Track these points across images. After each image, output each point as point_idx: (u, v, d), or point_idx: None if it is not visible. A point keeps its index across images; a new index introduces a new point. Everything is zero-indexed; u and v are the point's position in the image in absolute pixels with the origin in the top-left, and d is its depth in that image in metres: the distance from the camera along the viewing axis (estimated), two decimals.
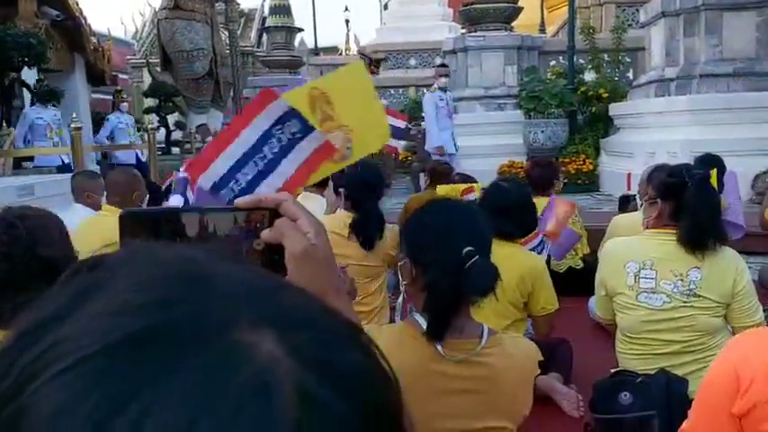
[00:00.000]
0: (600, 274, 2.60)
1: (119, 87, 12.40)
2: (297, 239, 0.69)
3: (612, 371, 2.57)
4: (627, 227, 3.42)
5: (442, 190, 3.70)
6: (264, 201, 0.72)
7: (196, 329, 0.31)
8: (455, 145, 9.06)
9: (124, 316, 0.31)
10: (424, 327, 1.46)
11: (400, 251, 1.60)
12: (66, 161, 9.15)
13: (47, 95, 8.93)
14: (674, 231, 2.38)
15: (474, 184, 3.67)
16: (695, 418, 1.38)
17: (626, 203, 4.76)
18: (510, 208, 2.75)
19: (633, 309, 2.44)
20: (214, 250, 0.41)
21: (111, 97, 13.90)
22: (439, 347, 1.45)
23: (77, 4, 11.07)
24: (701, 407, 1.37)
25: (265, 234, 0.70)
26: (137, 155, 10.22)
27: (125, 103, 11.19)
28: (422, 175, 10.52)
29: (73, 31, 10.86)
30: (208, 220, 0.70)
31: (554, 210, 3.60)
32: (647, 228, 2.52)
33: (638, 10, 13.51)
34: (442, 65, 10.21)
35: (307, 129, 1.96)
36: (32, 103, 9.68)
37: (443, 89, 8.99)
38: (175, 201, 4.53)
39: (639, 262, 2.43)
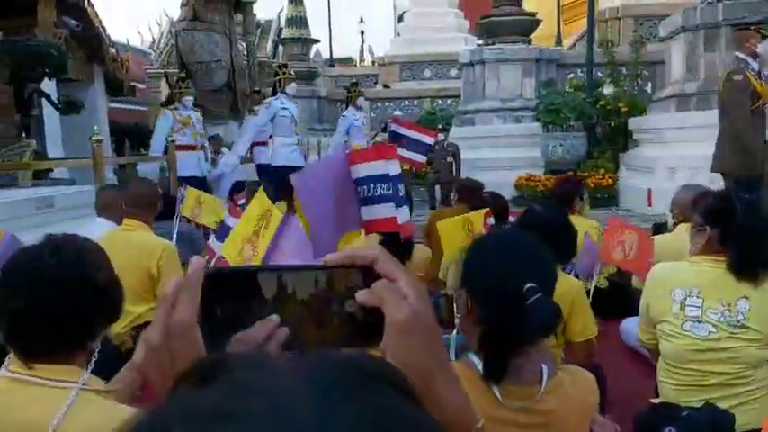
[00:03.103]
0: (645, 299, 2.53)
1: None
2: (399, 306, 0.61)
3: (653, 401, 2.49)
4: (663, 249, 3.35)
5: (446, 226, 3.63)
6: (357, 257, 0.64)
7: None
8: None
9: None
10: (481, 368, 1.38)
11: (457, 280, 1.51)
12: (201, 174, 8.20)
13: (67, 107, 8.89)
14: (723, 259, 2.31)
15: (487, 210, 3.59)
16: None
17: (660, 232, 4.63)
18: (548, 232, 2.65)
19: (677, 337, 2.36)
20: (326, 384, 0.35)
21: (134, 108, 13.82)
22: (497, 392, 1.38)
23: (97, 15, 11.12)
24: None
25: (361, 296, 0.63)
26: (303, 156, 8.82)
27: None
28: (437, 186, 10.55)
29: (92, 41, 10.89)
30: (287, 280, 0.66)
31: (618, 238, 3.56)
32: (694, 255, 2.44)
33: (656, 23, 13.47)
34: None
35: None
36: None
37: None
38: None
39: (686, 289, 2.35)
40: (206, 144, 8.72)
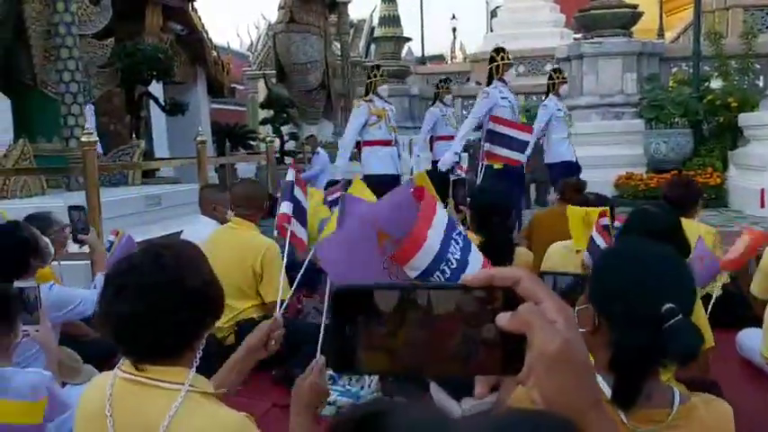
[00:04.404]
0: None
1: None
2: (549, 334, 0.54)
3: None
4: None
5: (574, 212, 3.49)
6: (498, 277, 0.58)
7: None
8: None
9: None
10: (606, 389, 1.28)
11: (584, 294, 1.41)
12: (396, 172, 7.41)
13: (173, 108, 9.29)
14: None
15: (606, 209, 3.44)
16: None
17: None
18: (659, 235, 2.50)
19: None
20: None
21: (233, 108, 14.25)
22: (622, 416, 1.28)
23: (200, 19, 11.57)
24: None
25: (503, 320, 0.57)
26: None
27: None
28: (532, 185, 10.30)
29: (195, 44, 11.35)
30: (420, 299, 0.62)
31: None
32: None
33: (767, 14, 12.67)
34: None
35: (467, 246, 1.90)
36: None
37: None
38: (285, 208, 4.48)
39: None
40: (398, 139, 7.81)
